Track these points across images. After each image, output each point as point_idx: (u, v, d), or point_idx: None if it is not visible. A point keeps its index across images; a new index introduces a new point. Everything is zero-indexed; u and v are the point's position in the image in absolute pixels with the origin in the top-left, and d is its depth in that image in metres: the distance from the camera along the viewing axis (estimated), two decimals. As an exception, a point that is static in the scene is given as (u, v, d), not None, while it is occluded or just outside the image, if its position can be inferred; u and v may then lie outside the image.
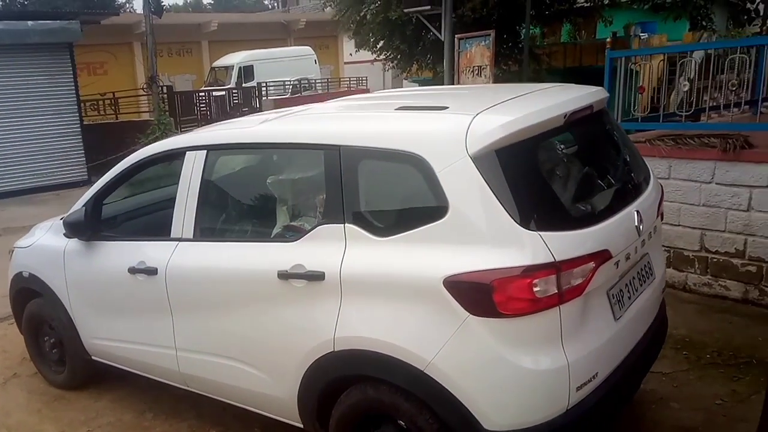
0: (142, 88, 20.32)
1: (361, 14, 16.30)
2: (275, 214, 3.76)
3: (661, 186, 4.01)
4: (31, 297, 5.18)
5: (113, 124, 19.44)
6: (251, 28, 34.40)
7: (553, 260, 2.82)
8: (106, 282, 4.49)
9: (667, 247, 6.25)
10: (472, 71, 10.54)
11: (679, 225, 6.19)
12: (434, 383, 2.98)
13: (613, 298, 3.27)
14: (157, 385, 4.76)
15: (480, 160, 2.91)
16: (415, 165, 3.05)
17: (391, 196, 3.30)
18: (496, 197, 2.87)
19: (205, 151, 3.98)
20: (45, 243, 5.02)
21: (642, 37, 17.86)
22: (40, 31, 14.16)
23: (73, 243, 4.67)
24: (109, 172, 4.60)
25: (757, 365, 4.72)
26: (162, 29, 22.04)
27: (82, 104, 16.16)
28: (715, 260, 6.00)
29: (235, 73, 29.69)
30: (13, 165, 14.23)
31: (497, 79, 12.14)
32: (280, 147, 3.80)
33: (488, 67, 10.36)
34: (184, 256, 3.96)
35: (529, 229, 2.85)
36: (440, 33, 11.32)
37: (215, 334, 3.88)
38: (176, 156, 4.16)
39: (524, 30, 14.33)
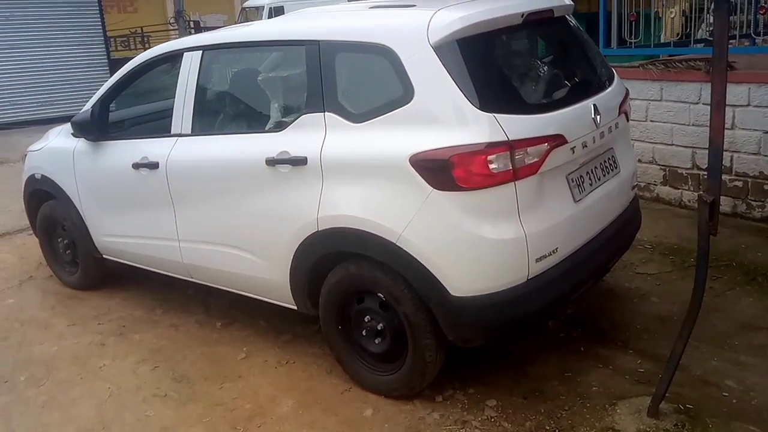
0: (170, 23, 20.43)
1: None
2: (266, 109, 3.97)
3: (627, 89, 4.19)
4: (45, 199, 5.43)
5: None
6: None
7: (506, 139, 3.06)
8: (112, 179, 4.73)
9: (663, 165, 6.47)
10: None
11: (672, 144, 6.36)
12: (405, 254, 3.24)
13: (573, 182, 3.49)
14: (167, 285, 5.10)
15: (440, 49, 3.16)
16: (385, 55, 3.30)
17: (364, 86, 3.53)
18: (455, 82, 3.12)
19: (201, 51, 4.19)
20: (55, 145, 5.26)
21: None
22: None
23: (82, 143, 4.91)
24: (114, 75, 4.81)
25: (736, 267, 4.92)
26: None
27: (112, 40, 16.25)
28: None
29: (265, 13, 29.36)
30: (37, 94, 14.44)
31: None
32: (267, 45, 4.02)
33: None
34: (183, 149, 4.20)
35: (485, 112, 3.08)
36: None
37: (212, 223, 4.12)
38: (175, 57, 4.37)
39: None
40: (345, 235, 3.45)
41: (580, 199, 3.51)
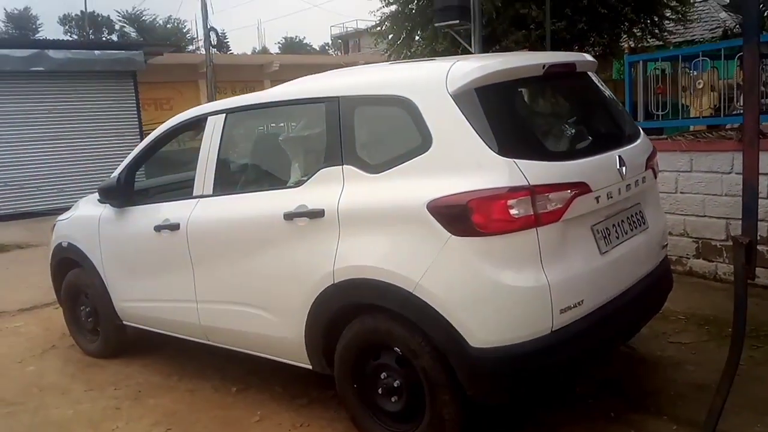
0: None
1: (412, 50, 16.71)
2: (286, 167, 3.99)
3: (654, 146, 4.11)
4: (70, 267, 5.48)
5: (176, 150, 20.09)
6: (311, 69, 34.97)
7: (527, 184, 2.98)
8: (135, 242, 4.76)
9: (695, 238, 6.29)
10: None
11: (705, 216, 6.20)
12: (422, 304, 3.12)
13: (598, 233, 3.38)
14: (184, 352, 5.08)
15: (459, 97, 3.15)
16: (403, 106, 3.31)
17: (382, 137, 3.56)
18: (474, 129, 3.09)
19: (224, 114, 4.27)
20: (82, 213, 5.37)
21: (692, 74, 17.69)
22: (105, 60, 14.97)
23: (107, 211, 4.98)
24: (140, 143, 4.91)
25: (777, 337, 4.66)
26: (226, 69, 23.00)
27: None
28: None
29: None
30: (77, 182, 14.75)
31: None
32: (288, 104, 4.06)
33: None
34: (204, 210, 4.22)
35: (504, 157, 3.03)
36: (471, 47, 11.45)
37: (229, 281, 4.08)
38: (199, 122, 4.47)
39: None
40: (361, 286, 3.37)
41: (606, 251, 3.39)
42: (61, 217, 5.70)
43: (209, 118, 4.34)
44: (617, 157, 3.51)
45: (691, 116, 7.90)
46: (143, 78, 16.52)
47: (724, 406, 3.05)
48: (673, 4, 16.71)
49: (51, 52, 13.99)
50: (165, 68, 20.10)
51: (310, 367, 3.80)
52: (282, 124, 4.24)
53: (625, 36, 16.98)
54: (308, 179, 3.67)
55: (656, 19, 16.62)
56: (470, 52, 11.54)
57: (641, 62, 7.70)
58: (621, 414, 3.74)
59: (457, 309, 3.06)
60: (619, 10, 15.01)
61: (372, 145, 3.54)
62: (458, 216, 3.01)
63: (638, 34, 16.82)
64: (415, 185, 3.17)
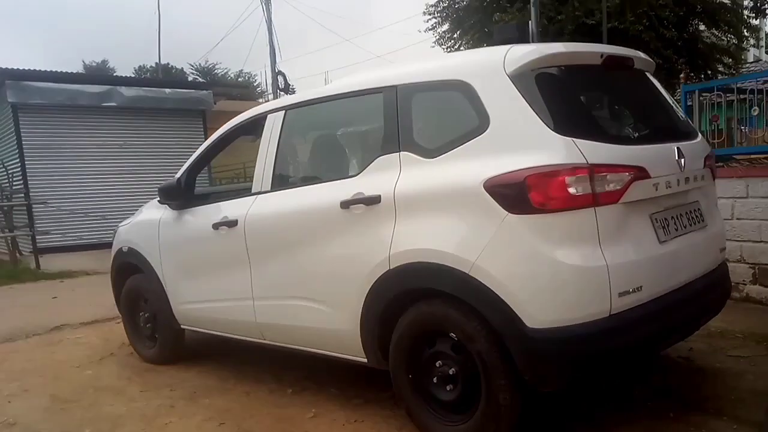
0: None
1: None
2: (343, 159, 4.10)
3: (712, 149, 4.07)
4: (130, 273, 5.63)
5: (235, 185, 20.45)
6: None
7: (585, 162, 3.00)
8: (193, 242, 4.88)
9: (752, 264, 6.19)
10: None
11: (761, 241, 6.11)
12: (478, 285, 3.13)
13: (657, 222, 3.37)
14: (242, 359, 5.22)
15: (517, 78, 3.22)
16: (460, 90, 3.38)
17: (439, 122, 3.62)
18: (532, 109, 3.14)
19: (284, 111, 4.39)
20: (143, 218, 5.54)
21: (743, 130, 17.62)
22: (175, 98, 15.47)
23: (167, 214, 5.14)
24: (201, 146, 5.04)
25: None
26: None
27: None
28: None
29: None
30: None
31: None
32: (346, 97, 4.11)
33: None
34: (261, 206, 4.32)
35: (563, 135, 3.05)
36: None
37: (285, 275, 4.15)
38: (258, 121, 4.59)
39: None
40: (416, 270, 3.39)
41: (665, 241, 3.37)
42: (122, 223, 5.88)
43: (269, 116, 4.47)
44: (676, 148, 3.52)
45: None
46: (211, 123, 16.96)
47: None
48: (726, 60, 16.78)
49: (123, 89, 14.53)
50: (231, 114, 20.60)
51: (366, 360, 3.81)
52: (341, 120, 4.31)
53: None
54: (365, 169, 3.75)
55: (710, 73, 16.66)
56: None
57: (697, 92, 7.67)
58: (680, 416, 3.66)
59: (514, 289, 3.05)
60: (673, 61, 15.06)
61: (429, 130, 3.59)
62: (515, 193, 3.03)
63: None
64: (472, 166, 3.21)
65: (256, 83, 46.78)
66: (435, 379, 3.47)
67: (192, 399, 4.62)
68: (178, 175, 5.03)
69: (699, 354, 4.67)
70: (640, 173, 3.20)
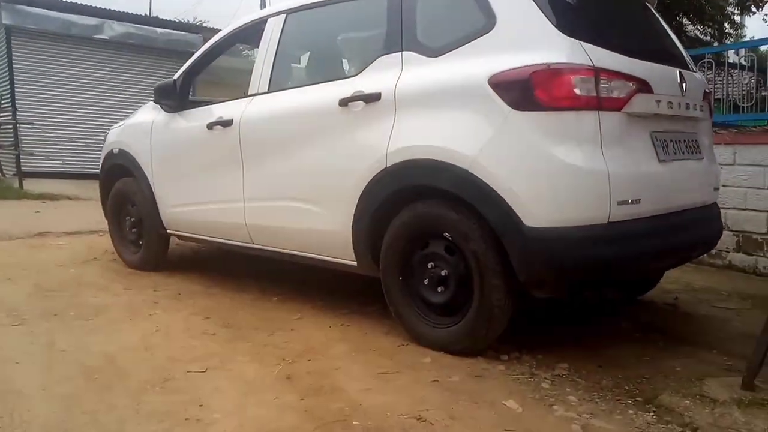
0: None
1: None
2: (343, 60, 4.04)
3: (708, 84, 4.06)
4: (119, 176, 5.53)
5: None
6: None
7: (591, 64, 2.96)
8: (186, 143, 4.79)
9: (736, 231, 6.16)
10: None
11: (746, 209, 6.09)
12: (477, 181, 3.08)
13: (657, 140, 3.34)
14: (225, 270, 5.20)
15: None
16: None
17: (444, 21, 3.53)
18: (540, 8, 3.09)
19: (284, 15, 4.31)
20: (136, 120, 5.44)
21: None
22: (165, 39, 15.25)
23: (161, 116, 5.04)
24: (200, 49, 4.94)
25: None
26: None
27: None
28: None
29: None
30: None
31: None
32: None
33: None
34: (258, 106, 4.24)
35: (570, 37, 3.02)
36: None
37: (278, 176, 4.08)
38: (258, 26, 4.48)
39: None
40: (415, 167, 3.33)
41: (664, 160, 3.34)
42: (114, 126, 5.76)
43: (269, 20, 4.37)
44: (678, 72, 3.50)
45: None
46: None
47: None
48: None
49: (115, 24, 14.33)
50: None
51: (355, 263, 3.75)
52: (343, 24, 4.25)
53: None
54: (366, 68, 3.67)
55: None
56: None
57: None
58: (670, 345, 3.65)
59: (513, 185, 3.00)
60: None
61: (433, 29, 3.52)
62: (520, 89, 2.98)
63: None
64: (478, 63, 3.16)
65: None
66: (426, 281, 3.43)
67: (176, 298, 4.57)
68: (175, 77, 4.91)
69: (685, 303, 4.66)
70: (643, 86, 3.16)
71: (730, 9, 17.17)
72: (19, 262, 5.55)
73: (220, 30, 5.07)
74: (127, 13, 15.56)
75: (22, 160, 12.70)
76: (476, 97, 3.11)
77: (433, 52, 3.39)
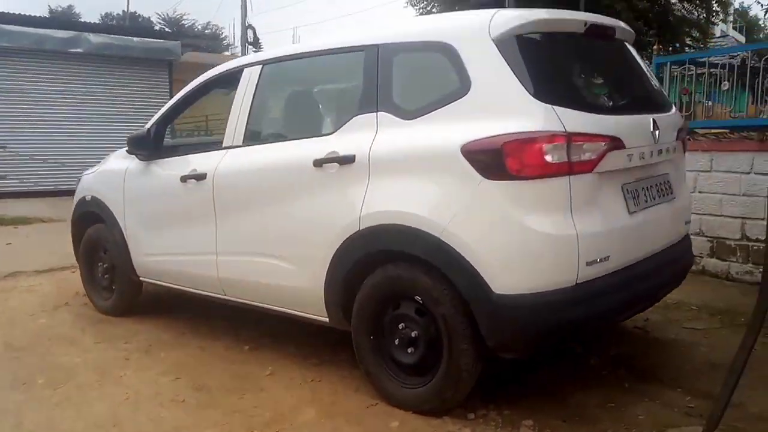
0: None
1: None
2: (319, 116, 4.03)
3: (685, 120, 4.08)
4: (91, 223, 5.48)
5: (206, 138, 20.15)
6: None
7: (564, 130, 2.96)
8: (159, 194, 4.76)
9: (710, 237, 6.28)
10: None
11: (721, 215, 6.20)
12: (448, 249, 3.10)
13: (628, 192, 3.37)
14: (197, 315, 5.15)
15: (501, 42, 3.15)
16: (443, 52, 3.31)
17: (420, 83, 3.53)
18: (514, 74, 3.08)
19: (261, 66, 4.27)
20: (108, 167, 5.38)
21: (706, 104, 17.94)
22: (142, 48, 15.13)
23: (134, 164, 4.99)
24: (174, 97, 4.91)
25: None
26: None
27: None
28: (755, 248, 5.96)
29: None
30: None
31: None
32: (326, 54, 4.02)
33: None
34: (232, 160, 4.21)
35: (542, 102, 3.01)
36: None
37: (252, 232, 4.07)
38: (234, 75, 4.44)
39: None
40: (387, 232, 3.34)
41: (634, 212, 3.38)
42: (87, 171, 5.70)
43: (245, 69, 4.33)
44: (652, 120, 3.51)
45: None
46: (177, 75, 16.61)
47: (739, 380, 2.99)
48: (695, 33, 16.95)
49: (91, 36, 14.18)
50: (198, 66, 20.26)
51: (327, 320, 3.77)
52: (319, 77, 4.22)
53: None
54: (341, 128, 3.66)
55: (677, 45, 16.82)
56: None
57: (669, 64, 7.70)
58: (636, 386, 3.71)
59: (483, 253, 3.03)
60: (643, 33, 15.10)
61: (409, 91, 3.52)
62: (492, 159, 2.99)
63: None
64: (451, 129, 3.15)
65: (223, 36, 46.22)
66: (396, 342, 3.45)
67: (147, 352, 4.54)
68: (148, 126, 4.87)
69: (655, 325, 4.73)
70: (615, 143, 3.18)
71: None
72: (-10, 313, 5.50)
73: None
74: (103, 24, 15.52)
75: (-6, 184, 12.59)
76: (449, 164, 3.11)
77: (408, 114, 3.38)
